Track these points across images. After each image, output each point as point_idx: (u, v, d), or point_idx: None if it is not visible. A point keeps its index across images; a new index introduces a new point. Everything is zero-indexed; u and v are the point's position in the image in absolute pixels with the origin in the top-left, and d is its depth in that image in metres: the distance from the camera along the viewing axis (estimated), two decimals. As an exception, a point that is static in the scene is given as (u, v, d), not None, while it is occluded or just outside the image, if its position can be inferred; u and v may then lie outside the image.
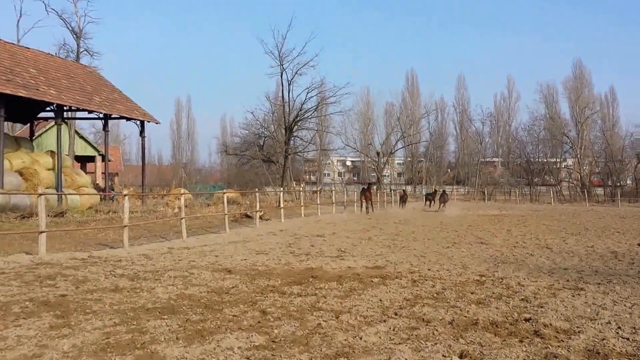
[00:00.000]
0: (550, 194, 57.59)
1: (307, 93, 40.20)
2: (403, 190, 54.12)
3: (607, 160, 65.54)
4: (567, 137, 69.26)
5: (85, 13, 42.08)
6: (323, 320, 6.57)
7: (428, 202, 41.69)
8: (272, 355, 5.29)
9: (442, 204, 38.04)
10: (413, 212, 35.42)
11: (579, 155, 67.46)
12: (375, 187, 43.22)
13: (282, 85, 39.99)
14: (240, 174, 60.89)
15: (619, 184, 62.42)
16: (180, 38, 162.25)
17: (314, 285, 8.99)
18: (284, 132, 41.35)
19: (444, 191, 42.49)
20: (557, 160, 70.70)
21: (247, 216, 24.41)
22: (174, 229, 18.62)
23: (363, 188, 36.94)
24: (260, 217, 23.16)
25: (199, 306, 7.34)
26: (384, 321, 6.58)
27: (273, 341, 5.73)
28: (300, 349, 5.47)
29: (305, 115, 41.18)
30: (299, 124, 41.14)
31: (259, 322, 6.52)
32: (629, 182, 65.76)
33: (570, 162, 72.39)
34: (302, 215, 27.80)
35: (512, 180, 70.49)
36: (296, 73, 38.92)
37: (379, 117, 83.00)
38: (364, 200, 33.55)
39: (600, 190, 63.67)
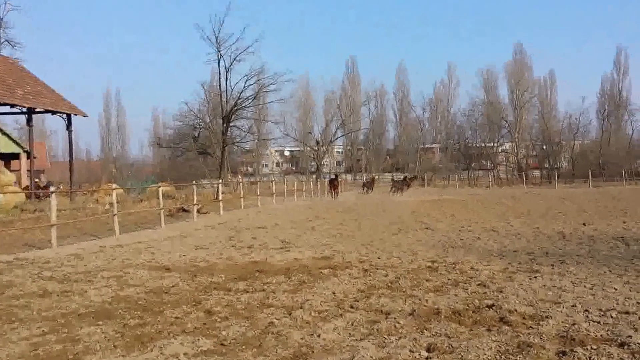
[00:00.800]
0: (488, 178, 58.90)
1: (246, 81, 39.27)
2: (372, 177, 54.61)
3: (544, 143, 67.46)
4: (506, 121, 71.01)
5: (5, 1, 39.54)
6: (275, 318, 6.10)
7: (394, 189, 43.66)
8: (223, 360, 4.80)
9: (399, 190, 41.40)
10: (356, 200, 35.33)
11: (516, 139, 69.22)
12: (340, 177, 48.01)
13: (220, 73, 38.73)
14: (174, 167, 59.79)
15: (555, 166, 64.49)
16: (107, 26, 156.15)
17: (260, 280, 8.54)
18: (221, 122, 40.28)
19: (405, 177, 45.98)
20: (495, 144, 72.26)
21: (184, 210, 23.69)
22: (106, 226, 17.72)
23: (330, 179, 42.59)
24: (198, 211, 22.50)
25: (136, 309, 6.79)
26: (341, 315, 6.17)
27: (222, 344, 5.25)
28: (254, 352, 5.00)
29: (244, 104, 40.20)
30: (237, 113, 40.14)
31: (204, 323, 6.01)
32: (565, 164, 67.90)
33: (507, 146, 74.09)
34: (242, 207, 27.20)
35: (451, 166, 71.66)
36: (235, 60, 37.78)
37: (318, 105, 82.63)
38: (332, 189, 39.01)
39: (537, 173, 65.59)
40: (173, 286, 8.19)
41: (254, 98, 41.45)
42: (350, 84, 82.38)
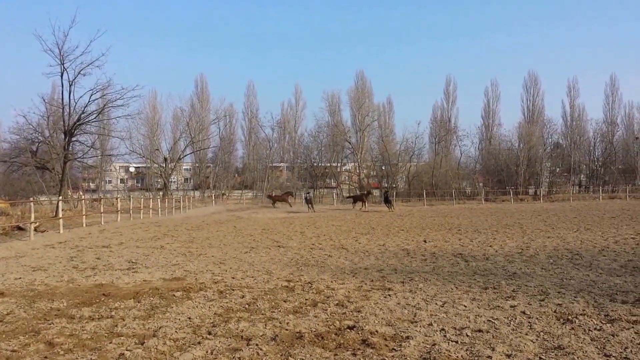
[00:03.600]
0: (333, 196, 60.81)
1: (91, 95, 37.03)
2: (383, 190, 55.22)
3: (383, 164, 71.31)
4: (349, 142, 73.92)
5: None
6: (126, 349, 5.60)
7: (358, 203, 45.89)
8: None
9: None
10: (205, 218, 34.52)
11: (359, 160, 72.43)
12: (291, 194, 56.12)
13: (63, 87, 36.19)
14: (9, 183, 55.35)
15: (394, 185, 68.30)
16: None
17: (107, 305, 7.92)
18: (62, 136, 37.65)
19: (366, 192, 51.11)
20: (339, 164, 75.04)
21: (20, 228, 22.08)
22: None
23: (280, 194, 53.78)
24: (36, 229, 20.84)
25: (-33, 341, 6.00)
26: (199, 343, 5.81)
27: (66, 382, 4.67)
28: (102, 390, 4.49)
29: (88, 119, 37.86)
30: (80, 127, 37.71)
31: (45, 357, 5.45)
32: (402, 183, 72.07)
33: (350, 165, 77.29)
34: (84, 225, 25.44)
35: (298, 184, 73.09)
36: (79, 73, 35.45)
37: (167, 122, 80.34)
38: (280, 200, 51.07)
39: (377, 192, 68.98)
40: (8, 313, 7.43)
41: (99, 113, 39.23)
42: (199, 102, 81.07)
